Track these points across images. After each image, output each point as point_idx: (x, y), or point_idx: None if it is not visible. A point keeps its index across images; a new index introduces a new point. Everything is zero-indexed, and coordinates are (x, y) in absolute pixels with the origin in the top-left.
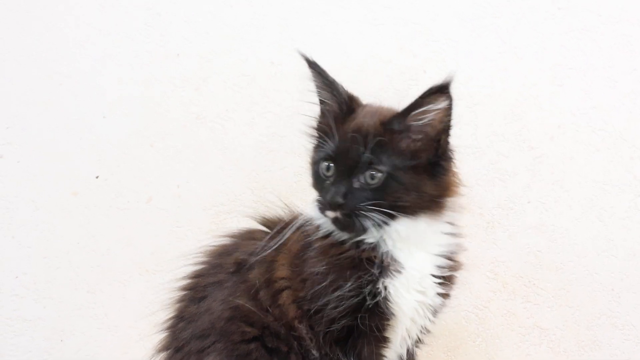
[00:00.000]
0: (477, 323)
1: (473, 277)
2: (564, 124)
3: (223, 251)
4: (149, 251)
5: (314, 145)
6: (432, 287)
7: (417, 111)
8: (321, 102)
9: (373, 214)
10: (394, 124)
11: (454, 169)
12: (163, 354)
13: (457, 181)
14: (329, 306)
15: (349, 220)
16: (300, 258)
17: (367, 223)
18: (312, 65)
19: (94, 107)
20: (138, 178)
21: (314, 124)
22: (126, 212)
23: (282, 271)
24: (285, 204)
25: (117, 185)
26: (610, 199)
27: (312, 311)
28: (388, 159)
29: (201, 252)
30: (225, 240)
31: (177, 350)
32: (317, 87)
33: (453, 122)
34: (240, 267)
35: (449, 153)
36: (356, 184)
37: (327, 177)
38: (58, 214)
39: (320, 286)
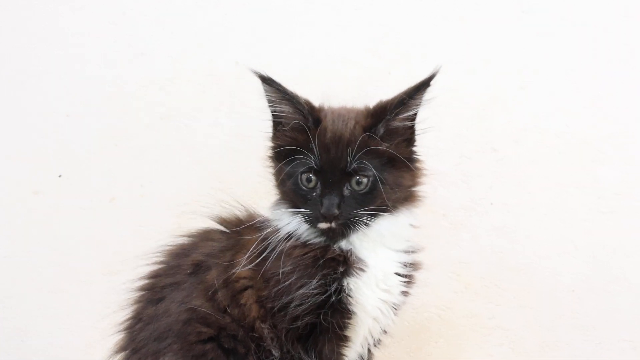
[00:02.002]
0: (440, 324)
1: (436, 278)
2: (527, 126)
3: (181, 252)
4: (112, 251)
5: (283, 161)
6: (397, 286)
7: (405, 114)
8: (279, 116)
9: (364, 218)
10: (379, 129)
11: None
12: (120, 355)
13: (423, 167)
14: (293, 304)
15: (342, 229)
16: (262, 259)
17: (359, 228)
18: (268, 82)
19: (58, 105)
20: (102, 177)
21: (276, 138)
22: (89, 211)
23: (242, 271)
24: (242, 204)
25: (81, 184)
26: (573, 201)
27: (275, 309)
28: (371, 161)
29: (159, 252)
30: (183, 240)
31: (135, 351)
32: (275, 102)
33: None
34: (198, 268)
35: (415, 137)
36: (346, 192)
37: (310, 189)
38: (20, 214)
39: (284, 285)
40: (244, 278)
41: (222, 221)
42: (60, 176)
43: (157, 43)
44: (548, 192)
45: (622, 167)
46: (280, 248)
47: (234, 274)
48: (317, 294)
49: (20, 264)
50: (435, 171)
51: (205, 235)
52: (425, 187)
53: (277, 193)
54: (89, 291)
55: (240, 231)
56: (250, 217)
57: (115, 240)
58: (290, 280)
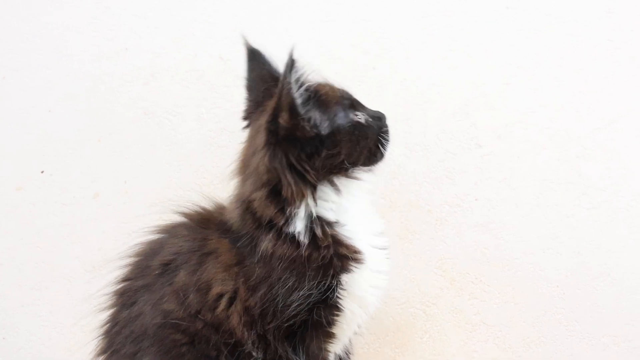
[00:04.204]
0: (425, 320)
1: (421, 274)
2: (512, 122)
3: (149, 252)
4: (95, 248)
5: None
6: (384, 263)
7: None
8: None
9: None
10: None
11: None
12: (101, 357)
13: None
14: (293, 305)
15: None
16: (241, 266)
17: None
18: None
19: (40, 101)
20: (85, 173)
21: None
22: (72, 208)
23: (218, 286)
24: (209, 198)
25: (63, 180)
26: (556, 197)
27: (268, 314)
28: None
29: (129, 253)
30: (152, 237)
31: (114, 353)
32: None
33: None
34: (167, 269)
35: None
36: None
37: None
38: (2, 210)
39: (277, 290)
40: (218, 285)
41: (186, 215)
42: (42, 172)
43: (140, 38)
44: (532, 188)
45: (606, 162)
46: (265, 251)
47: (202, 280)
48: (309, 295)
49: (1, 260)
50: (420, 167)
51: (172, 231)
52: (411, 184)
53: None
54: (71, 288)
55: (207, 228)
56: (218, 209)
57: (98, 236)
58: (287, 285)
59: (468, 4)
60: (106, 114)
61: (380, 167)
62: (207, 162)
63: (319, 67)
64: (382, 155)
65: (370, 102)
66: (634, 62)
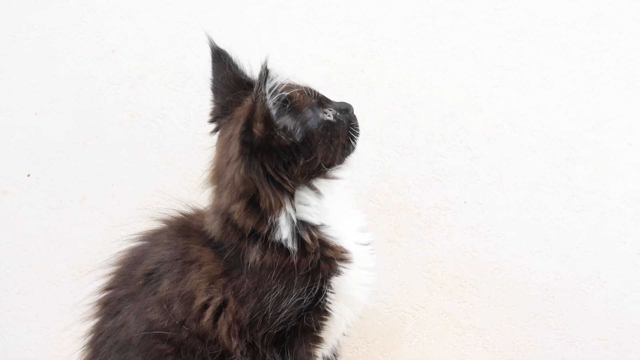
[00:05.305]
0: (414, 323)
1: (410, 277)
2: (501, 124)
3: (132, 260)
4: (82, 251)
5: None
6: (370, 259)
7: None
8: None
9: None
10: None
11: None
12: None
13: None
14: (282, 313)
15: None
16: (227, 277)
17: None
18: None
19: (26, 104)
20: (71, 177)
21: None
22: (59, 211)
23: (202, 297)
24: (189, 205)
25: (50, 184)
26: (546, 200)
27: (257, 324)
28: None
29: (111, 261)
30: (133, 245)
31: None
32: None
33: None
34: (150, 278)
35: None
36: None
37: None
38: None
39: (268, 300)
40: (202, 295)
41: (166, 222)
42: (29, 175)
43: (127, 40)
44: (521, 191)
45: (595, 165)
46: (254, 262)
47: (185, 290)
48: (299, 302)
49: None
50: (409, 170)
51: (154, 239)
52: (400, 187)
53: None
54: (58, 292)
55: (188, 235)
56: (198, 214)
57: (85, 240)
58: (278, 294)
59: (456, 6)
60: (93, 117)
61: (352, 159)
62: (194, 165)
63: (305, 70)
64: (353, 148)
65: (359, 104)
66: (622, 64)
